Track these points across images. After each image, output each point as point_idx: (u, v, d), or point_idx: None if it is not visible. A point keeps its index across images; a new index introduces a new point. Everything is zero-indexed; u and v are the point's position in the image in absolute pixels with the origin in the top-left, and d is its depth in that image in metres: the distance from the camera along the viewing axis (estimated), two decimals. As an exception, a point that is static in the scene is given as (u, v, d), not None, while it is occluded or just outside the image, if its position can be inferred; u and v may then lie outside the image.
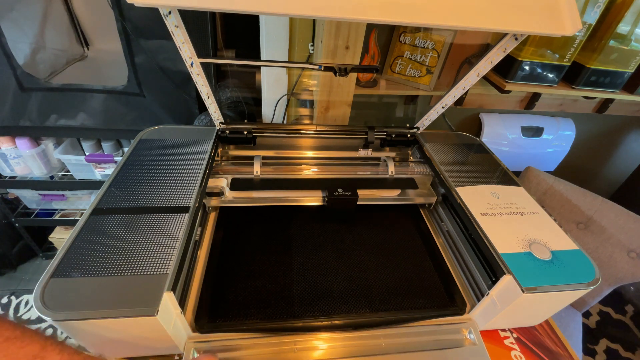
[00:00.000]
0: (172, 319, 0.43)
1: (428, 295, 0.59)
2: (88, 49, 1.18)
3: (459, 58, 0.98)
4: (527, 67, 0.95)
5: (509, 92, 1.01)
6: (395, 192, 0.76)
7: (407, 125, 0.80)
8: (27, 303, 1.29)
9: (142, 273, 0.42)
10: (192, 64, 0.56)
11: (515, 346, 0.56)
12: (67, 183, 1.16)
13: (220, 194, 0.69)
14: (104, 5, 0.86)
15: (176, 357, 0.49)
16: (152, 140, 0.67)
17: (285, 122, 0.97)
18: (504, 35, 0.54)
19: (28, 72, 0.88)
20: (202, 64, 0.57)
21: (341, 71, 0.61)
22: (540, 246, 0.52)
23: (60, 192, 1.25)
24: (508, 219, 0.57)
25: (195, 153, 0.64)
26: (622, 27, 0.90)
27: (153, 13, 0.74)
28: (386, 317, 0.55)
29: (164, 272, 0.43)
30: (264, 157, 0.73)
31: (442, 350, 0.53)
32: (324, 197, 0.70)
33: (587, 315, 1.45)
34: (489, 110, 1.24)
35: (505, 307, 0.49)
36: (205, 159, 0.63)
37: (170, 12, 0.47)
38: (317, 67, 0.60)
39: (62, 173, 1.16)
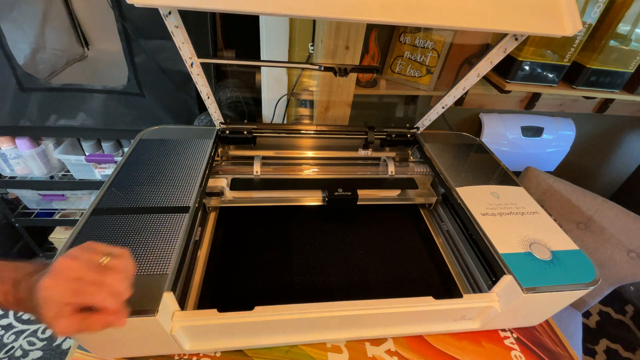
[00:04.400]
0: (172, 318, 0.43)
1: (428, 295, 0.59)
2: (88, 49, 1.18)
3: (459, 58, 0.98)
4: (527, 67, 0.95)
5: (509, 92, 1.01)
6: (395, 192, 0.76)
7: (407, 125, 0.80)
8: (27, 303, 1.29)
9: (142, 273, 0.42)
10: (192, 64, 0.57)
11: (515, 346, 0.56)
12: (67, 183, 1.16)
13: (220, 194, 0.69)
14: (104, 5, 0.86)
15: (176, 357, 0.50)
16: (152, 140, 0.67)
17: (285, 122, 0.97)
18: (504, 35, 0.54)
19: (28, 72, 0.88)
20: (202, 64, 0.57)
21: (341, 71, 0.61)
22: (540, 246, 0.52)
23: (60, 192, 1.25)
24: (508, 219, 0.57)
25: (195, 153, 0.64)
26: (622, 27, 0.90)
27: (153, 13, 0.74)
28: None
29: (164, 272, 0.43)
30: (264, 157, 0.73)
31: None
32: (324, 197, 0.70)
33: (587, 315, 1.45)
34: (489, 110, 1.24)
35: (505, 307, 0.49)
36: (205, 159, 0.63)
37: (170, 13, 0.47)
38: (317, 67, 0.60)
39: (62, 173, 1.16)
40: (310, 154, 0.79)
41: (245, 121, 0.76)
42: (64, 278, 0.31)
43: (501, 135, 1.23)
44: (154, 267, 0.43)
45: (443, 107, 0.72)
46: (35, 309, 0.31)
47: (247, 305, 0.44)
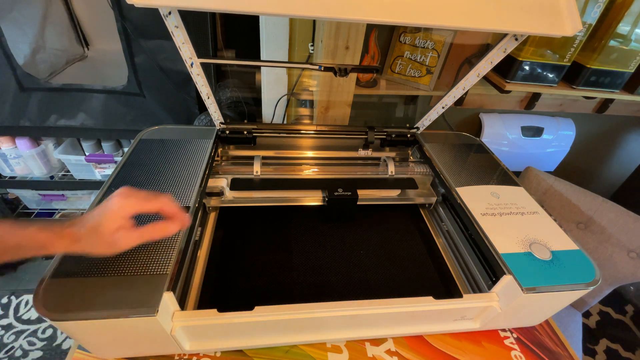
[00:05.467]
0: (172, 318, 0.43)
1: (428, 295, 0.59)
2: (88, 49, 1.18)
3: (459, 58, 0.98)
4: (527, 67, 0.95)
5: (509, 92, 1.01)
6: (395, 192, 0.76)
7: (407, 125, 0.80)
8: (27, 303, 1.29)
9: (142, 273, 0.42)
10: (192, 64, 0.57)
11: (515, 346, 0.56)
12: (67, 183, 1.16)
13: (220, 194, 0.69)
14: (104, 5, 0.86)
15: (176, 357, 0.50)
16: (152, 140, 0.67)
17: (285, 122, 0.97)
18: (504, 35, 0.54)
19: (28, 72, 0.88)
20: (202, 64, 0.57)
21: (341, 71, 0.61)
22: (540, 246, 0.52)
23: (60, 192, 1.25)
24: (508, 219, 0.57)
25: (195, 153, 0.64)
26: (622, 27, 0.90)
27: (153, 13, 0.74)
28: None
29: (164, 272, 0.43)
30: (264, 157, 0.73)
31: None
32: (324, 197, 0.70)
33: (587, 315, 1.45)
34: (489, 110, 1.24)
35: (505, 307, 0.49)
36: (205, 159, 0.63)
37: (170, 13, 0.47)
38: (317, 67, 0.60)
39: (62, 173, 1.16)
40: (310, 154, 0.79)
41: (245, 121, 0.76)
42: (133, 195, 0.38)
43: (501, 135, 1.23)
44: (154, 267, 0.43)
45: (443, 107, 0.72)
46: (92, 237, 0.37)
47: (247, 305, 0.44)
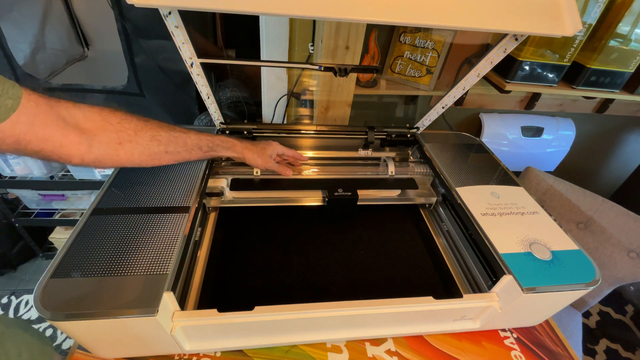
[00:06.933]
0: (172, 318, 0.43)
1: (428, 295, 0.59)
2: (88, 49, 1.18)
3: (459, 58, 0.98)
4: (527, 67, 0.95)
5: (509, 92, 1.01)
6: (395, 192, 0.76)
7: (407, 125, 0.80)
8: (27, 303, 1.30)
9: (142, 273, 0.42)
10: (192, 64, 0.57)
11: (515, 346, 0.56)
12: (67, 183, 1.16)
13: (220, 194, 0.69)
14: (104, 5, 0.86)
15: (176, 357, 0.50)
16: (152, 140, 0.67)
17: (285, 122, 0.97)
18: (504, 35, 0.54)
19: (28, 72, 0.88)
20: (202, 64, 0.57)
21: (341, 71, 0.61)
22: (540, 246, 0.52)
23: (60, 192, 1.25)
24: (508, 219, 0.57)
25: (195, 153, 0.64)
26: (622, 27, 0.90)
27: (153, 13, 0.74)
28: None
29: (164, 272, 0.43)
30: (264, 157, 0.73)
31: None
32: (324, 197, 0.70)
33: (587, 315, 1.45)
34: (489, 110, 1.24)
35: (505, 307, 0.49)
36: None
37: (170, 13, 0.47)
38: (317, 67, 0.60)
39: (62, 173, 1.16)
40: (310, 154, 0.79)
41: (245, 121, 0.76)
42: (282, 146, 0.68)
43: (501, 135, 1.23)
44: (154, 267, 0.43)
45: (443, 107, 0.72)
46: (252, 148, 0.63)
47: (247, 305, 0.44)
